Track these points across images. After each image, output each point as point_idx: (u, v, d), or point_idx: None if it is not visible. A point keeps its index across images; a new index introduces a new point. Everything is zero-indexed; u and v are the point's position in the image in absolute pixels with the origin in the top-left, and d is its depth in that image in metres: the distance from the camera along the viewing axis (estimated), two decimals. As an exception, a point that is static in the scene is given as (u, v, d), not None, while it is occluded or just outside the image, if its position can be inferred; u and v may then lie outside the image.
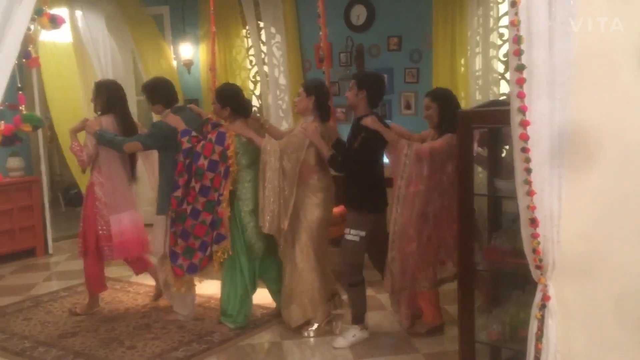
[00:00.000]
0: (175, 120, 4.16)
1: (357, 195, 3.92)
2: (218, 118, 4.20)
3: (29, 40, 3.52)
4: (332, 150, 3.92)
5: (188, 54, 7.50)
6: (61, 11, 6.69)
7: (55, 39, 6.92)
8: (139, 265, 4.83)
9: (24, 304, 4.91)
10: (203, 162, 4.01)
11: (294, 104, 4.25)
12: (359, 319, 3.99)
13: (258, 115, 5.30)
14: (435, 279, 3.88)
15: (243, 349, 3.96)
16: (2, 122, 3.39)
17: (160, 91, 4.36)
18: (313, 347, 3.93)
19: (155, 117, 5.40)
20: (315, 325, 4.10)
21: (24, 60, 3.61)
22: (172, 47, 7.75)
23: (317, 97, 4.03)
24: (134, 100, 7.63)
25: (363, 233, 3.85)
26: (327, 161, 3.95)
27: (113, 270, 5.80)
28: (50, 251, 6.44)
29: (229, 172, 4.04)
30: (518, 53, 2.00)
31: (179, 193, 4.06)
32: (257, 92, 7.36)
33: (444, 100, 3.90)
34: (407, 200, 3.71)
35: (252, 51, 7.23)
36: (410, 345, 3.90)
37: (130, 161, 4.58)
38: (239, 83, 7.26)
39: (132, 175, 4.61)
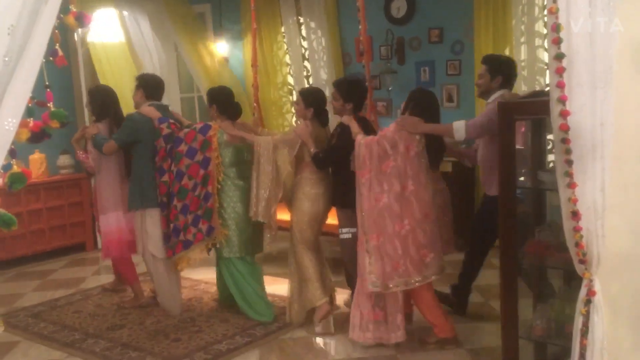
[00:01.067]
0: (149, 111, 4.31)
1: (342, 192, 4.00)
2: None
3: (55, 38, 3.60)
4: (316, 149, 4.02)
5: (224, 52, 7.58)
6: (108, 11, 6.88)
7: (106, 40, 7.09)
8: (123, 270, 4.85)
9: (74, 297, 5.08)
10: (183, 148, 4.15)
11: (295, 108, 4.45)
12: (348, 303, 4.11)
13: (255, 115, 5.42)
14: (420, 274, 3.63)
15: (285, 343, 3.99)
16: (31, 119, 3.49)
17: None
18: (354, 341, 3.93)
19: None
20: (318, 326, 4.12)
21: (50, 58, 3.70)
22: (214, 45, 7.85)
23: (315, 108, 4.15)
24: (177, 98, 7.79)
25: (354, 229, 3.84)
26: (311, 158, 4.04)
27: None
28: (99, 246, 6.62)
29: (208, 163, 4.13)
30: (557, 41, 1.94)
31: (166, 177, 4.23)
32: (298, 87, 7.39)
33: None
34: (362, 192, 3.62)
35: (292, 47, 7.25)
36: (454, 340, 3.85)
37: (125, 159, 4.63)
38: (279, 79, 7.32)
39: (127, 173, 4.63)
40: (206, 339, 4.05)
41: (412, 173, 3.57)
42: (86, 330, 4.32)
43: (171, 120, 4.32)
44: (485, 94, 3.91)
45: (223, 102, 4.29)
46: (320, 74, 6.95)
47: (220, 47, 7.58)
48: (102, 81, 6.76)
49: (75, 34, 6.67)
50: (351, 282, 4.13)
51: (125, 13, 6.99)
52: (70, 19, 3.50)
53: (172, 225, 4.25)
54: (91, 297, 5.03)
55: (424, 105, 3.77)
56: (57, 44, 3.66)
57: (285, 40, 7.35)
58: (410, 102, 3.78)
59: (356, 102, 4.08)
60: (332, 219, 4.33)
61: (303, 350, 3.86)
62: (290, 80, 7.44)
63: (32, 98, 3.55)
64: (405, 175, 3.56)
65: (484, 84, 3.83)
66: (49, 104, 3.94)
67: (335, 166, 4.11)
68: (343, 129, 3.98)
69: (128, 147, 4.44)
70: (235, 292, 4.34)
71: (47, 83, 3.88)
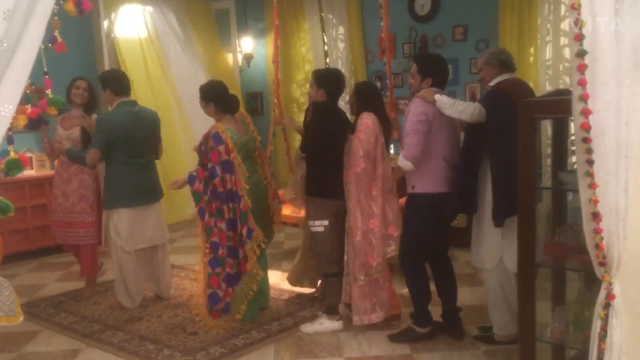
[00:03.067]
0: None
1: (314, 181, 4.04)
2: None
3: (54, 25, 3.59)
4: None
5: (248, 48, 7.60)
6: (133, 8, 6.95)
7: (135, 36, 7.16)
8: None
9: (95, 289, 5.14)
10: (219, 169, 3.94)
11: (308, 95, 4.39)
12: (331, 310, 4.10)
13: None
14: (384, 262, 3.95)
15: (301, 339, 3.99)
16: (29, 105, 3.50)
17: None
18: (370, 338, 3.91)
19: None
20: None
21: (49, 45, 3.69)
22: (237, 41, 7.89)
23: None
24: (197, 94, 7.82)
25: (326, 222, 3.97)
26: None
27: (181, 259, 6.00)
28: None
29: (233, 166, 3.94)
30: (579, 38, 1.90)
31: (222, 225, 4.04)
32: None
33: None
34: (348, 191, 3.87)
35: (317, 43, 7.24)
36: (470, 341, 3.82)
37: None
38: (301, 76, 7.32)
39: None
40: (222, 333, 4.07)
41: (381, 156, 3.87)
42: (105, 321, 4.37)
43: (196, 168, 4.06)
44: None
45: (220, 97, 4.14)
46: (343, 72, 6.92)
47: (245, 44, 7.60)
48: (130, 76, 6.83)
49: (101, 29, 6.76)
50: (320, 274, 4.40)
51: (150, 9, 7.05)
52: (70, 5, 3.47)
53: (225, 249, 4.07)
54: (111, 290, 5.06)
55: (368, 96, 4.02)
56: (56, 31, 3.64)
57: (308, 37, 7.35)
58: (355, 95, 4.04)
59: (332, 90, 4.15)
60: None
61: (318, 347, 3.85)
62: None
63: (30, 85, 3.57)
64: (377, 159, 3.87)
65: (414, 84, 3.83)
66: (47, 91, 3.95)
67: (311, 151, 4.05)
68: (316, 108, 4.08)
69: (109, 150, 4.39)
70: None
71: (45, 70, 3.88)
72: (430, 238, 3.78)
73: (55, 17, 3.45)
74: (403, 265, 3.89)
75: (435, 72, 3.75)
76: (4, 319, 2.79)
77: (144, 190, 4.57)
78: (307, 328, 4.08)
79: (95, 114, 4.81)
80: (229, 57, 8.06)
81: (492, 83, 3.62)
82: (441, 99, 3.59)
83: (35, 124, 3.62)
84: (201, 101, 4.18)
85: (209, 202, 3.98)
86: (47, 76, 3.86)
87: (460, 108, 3.50)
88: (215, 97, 4.13)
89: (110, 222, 4.49)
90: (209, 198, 3.97)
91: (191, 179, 4.00)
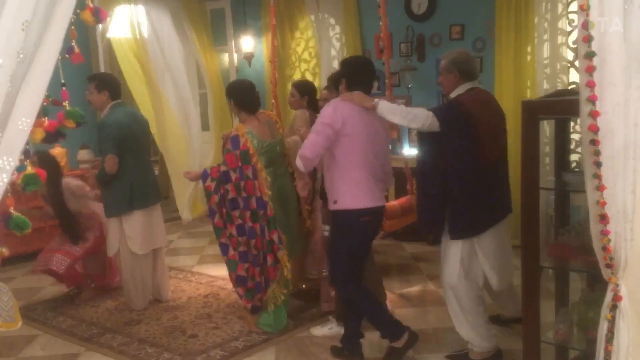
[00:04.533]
0: (194, 176, 4.13)
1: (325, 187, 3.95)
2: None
3: (71, 35, 3.53)
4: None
5: (249, 47, 7.57)
6: (128, 8, 6.90)
7: (129, 35, 7.11)
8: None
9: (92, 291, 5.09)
10: (236, 175, 3.86)
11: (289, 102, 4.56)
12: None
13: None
14: None
15: (302, 341, 3.97)
16: (46, 118, 3.45)
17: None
18: (371, 342, 3.88)
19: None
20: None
21: (67, 55, 3.64)
22: (233, 41, 7.85)
23: (309, 96, 4.45)
24: (196, 94, 7.80)
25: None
26: None
27: (179, 261, 5.97)
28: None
29: (256, 171, 3.86)
30: (588, 39, 1.88)
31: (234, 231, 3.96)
32: (317, 84, 7.35)
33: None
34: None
35: (311, 43, 7.22)
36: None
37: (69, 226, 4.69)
38: (298, 75, 7.29)
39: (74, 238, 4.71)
40: (222, 335, 4.05)
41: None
42: (104, 325, 4.34)
43: (210, 168, 4.01)
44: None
45: (238, 95, 4.04)
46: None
47: (245, 43, 7.57)
48: (125, 76, 6.79)
49: (96, 30, 6.71)
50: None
51: (145, 9, 7.00)
52: (87, 15, 3.43)
53: (261, 254, 3.97)
54: (109, 292, 5.05)
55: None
56: (74, 41, 3.59)
57: (304, 36, 7.33)
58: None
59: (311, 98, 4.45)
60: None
61: (319, 349, 3.83)
62: (309, 76, 7.40)
63: (47, 97, 3.50)
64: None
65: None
66: (64, 103, 3.90)
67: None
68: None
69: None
70: None
71: (62, 81, 3.83)
72: (359, 258, 3.55)
73: (72, 27, 3.41)
74: (336, 289, 3.72)
75: (350, 74, 3.48)
76: (3, 324, 2.74)
77: (150, 190, 4.55)
78: (317, 331, 4.05)
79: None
80: (225, 57, 8.02)
81: (453, 94, 3.40)
82: (383, 105, 3.27)
83: (53, 137, 3.58)
84: (226, 98, 4.16)
85: (219, 204, 3.92)
86: (64, 87, 3.84)
87: (410, 116, 3.21)
88: (234, 94, 4.05)
89: (119, 228, 4.42)
90: (219, 199, 3.90)
91: (204, 175, 3.94)
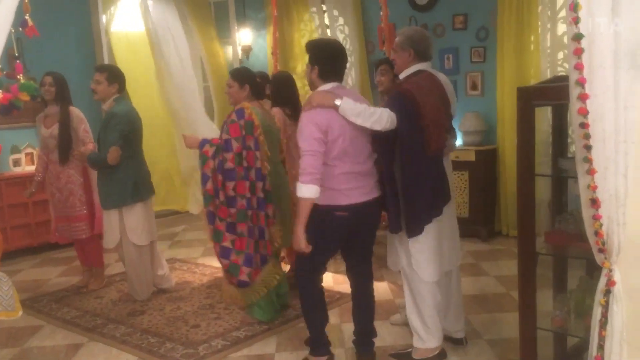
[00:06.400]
0: (191, 142, 4.05)
1: None
2: (236, 100, 4.05)
3: (25, 8, 3.49)
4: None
5: (248, 40, 7.57)
6: (131, 1, 6.92)
7: (128, 29, 7.14)
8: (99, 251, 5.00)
9: (97, 283, 5.14)
10: (237, 145, 3.82)
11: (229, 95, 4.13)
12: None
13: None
14: None
15: (302, 330, 3.96)
16: (0, 91, 3.41)
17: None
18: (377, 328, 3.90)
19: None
20: None
21: (20, 28, 3.59)
22: (237, 34, 7.85)
23: (251, 85, 4.07)
24: (201, 87, 7.81)
25: None
26: None
27: (183, 252, 6.01)
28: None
29: (258, 143, 3.86)
30: (575, 21, 1.87)
31: (222, 197, 3.86)
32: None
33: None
34: None
35: (315, 35, 7.21)
36: (473, 331, 3.80)
37: (64, 147, 4.66)
38: (301, 67, 7.29)
39: (63, 158, 4.69)
40: (225, 325, 4.07)
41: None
42: (107, 315, 4.38)
43: (210, 138, 4.02)
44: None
45: (254, 81, 4.09)
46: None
47: (244, 36, 7.57)
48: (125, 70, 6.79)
49: (100, 23, 6.74)
50: None
51: (150, 2, 7.02)
52: None
53: (257, 229, 3.92)
54: (113, 284, 5.09)
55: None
56: (27, 15, 3.54)
57: (307, 28, 7.32)
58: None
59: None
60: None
61: (320, 339, 3.84)
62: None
63: (1, 70, 3.46)
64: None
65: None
66: (18, 76, 3.86)
67: None
68: None
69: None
70: None
71: (16, 54, 3.78)
72: (325, 254, 3.34)
73: (26, 1, 3.33)
74: (297, 278, 3.45)
75: (325, 61, 3.15)
76: (3, 313, 2.79)
77: (148, 183, 4.61)
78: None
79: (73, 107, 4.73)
80: (229, 50, 8.03)
81: (403, 75, 3.28)
82: (345, 106, 3.02)
83: (7, 109, 3.53)
84: (234, 83, 4.04)
85: (214, 171, 3.87)
86: (18, 61, 3.78)
87: (374, 117, 3.02)
88: (250, 80, 4.07)
89: (120, 219, 4.44)
90: (214, 166, 3.86)
91: (203, 142, 3.94)
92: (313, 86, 3.21)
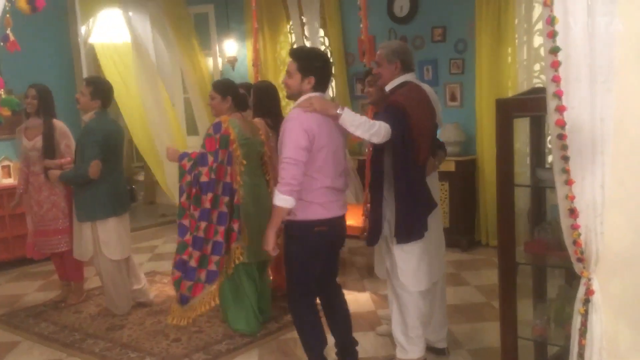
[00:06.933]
0: (172, 154, 4.06)
1: None
2: (218, 112, 4.06)
3: (6, 23, 3.43)
4: None
5: (232, 51, 7.58)
6: (114, 12, 6.89)
7: (112, 40, 7.10)
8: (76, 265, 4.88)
9: (76, 297, 5.06)
10: (212, 159, 3.83)
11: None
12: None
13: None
14: None
15: (285, 343, 3.97)
16: None
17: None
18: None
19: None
20: None
21: (1, 43, 3.54)
22: (218, 45, 7.85)
23: (233, 96, 4.09)
24: (181, 98, 7.79)
25: None
26: None
27: (163, 265, 5.95)
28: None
29: (232, 158, 3.86)
30: (552, 35, 1.90)
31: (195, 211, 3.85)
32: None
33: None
34: None
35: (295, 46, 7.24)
36: (454, 341, 3.82)
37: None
38: (282, 79, 7.30)
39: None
40: (206, 339, 4.04)
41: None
42: (86, 330, 4.32)
43: (189, 151, 4.03)
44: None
45: (235, 93, 4.12)
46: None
47: (229, 47, 7.57)
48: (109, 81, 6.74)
49: (79, 35, 6.70)
50: None
51: (130, 13, 7.00)
52: (22, 3, 3.30)
53: (210, 244, 3.84)
54: (92, 298, 5.02)
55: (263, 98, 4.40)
56: (9, 29, 3.49)
57: (288, 40, 7.35)
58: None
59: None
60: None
61: (303, 351, 3.82)
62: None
63: None
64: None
65: (292, 85, 3.14)
66: (0, 91, 3.81)
67: None
68: None
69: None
70: (226, 299, 4.09)
71: None
72: (316, 270, 3.25)
73: (8, 15, 3.27)
74: (289, 307, 3.39)
75: (319, 69, 3.09)
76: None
77: (124, 198, 4.59)
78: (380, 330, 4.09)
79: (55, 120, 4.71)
80: (209, 61, 8.02)
81: (389, 87, 3.32)
82: (346, 117, 3.00)
83: None
84: (216, 95, 4.04)
85: (190, 184, 3.87)
86: None
87: (373, 130, 3.01)
88: (233, 92, 4.09)
89: (93, 233, 4.39)
90: (190, 180, 3.87)
91: (182, 155, 3.97)
92: (298, 96, 3.11)
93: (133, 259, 4.78)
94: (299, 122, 2.99)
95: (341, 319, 3.45)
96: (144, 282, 4.82)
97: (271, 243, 3.06)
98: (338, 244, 3.35)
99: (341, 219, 3.23)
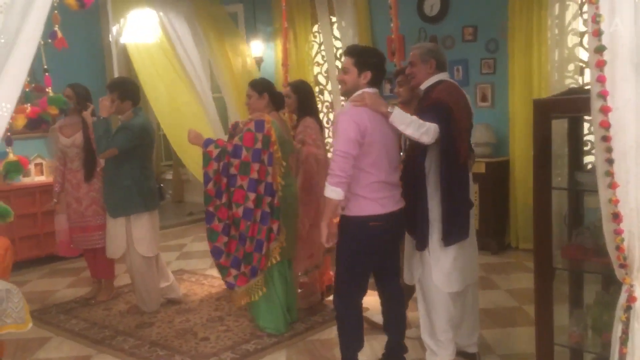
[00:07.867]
0: (196, 137, 3.98)
1: None
2: (255, 110, 4.06)
3: (54, 20, 3.42)
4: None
5: (259, 52, 7.58)
6: (145, 12, 6.94)
7: (144, 41, 7.14)
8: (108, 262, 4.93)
9: (105, 294, 5.11)
10: (246, 154, 3.79)
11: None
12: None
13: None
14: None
15: (312, 344, 3.94)
16: (28, 105, 3.36)
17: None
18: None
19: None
20: None
21: (49, 40, 3.54)
22: (247, 45, 7.86)
23: (269, 93, 4.14)
24: (210, 99, 7.80)
25: None
26: None
27: (191, 264, 5.98)
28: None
29: (272, 159, 3.85)
30: (597, 33, 1.84)
31: (225, 199, 3.85)
32: (330, 87, 7.34)
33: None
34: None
35: (324, 46, 7.22)
36: (485, 345, 3.75)
37: (90, 161, 4.71)
38: (310, 79, 7.29)
39: (88, 175, 4.73)
40: (234, 338, 4.04)
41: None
42: (116, 327, 4.35)
43: (216, 139, 3.99)
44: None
45: (273, 91, 4.17)
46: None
47: (255, 47, 7.58)
48: (141, 81, 6.78)
49: (110, 35, 6.76)
50: None
51: (160, 13, 7.04)
52: (71, 0, 3.30)
53: (254, 243, 3.87)
54: (122, 295, 5.07)
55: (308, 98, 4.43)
56: (57, 26, 3.49)
57: (316, 40, 7.33)
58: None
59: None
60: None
61: (330, 352, 3.80)
62: (322, 79, 7.39)
63: (29, 82, 3.42)
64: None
65: (348, 80, 3.16)
66: (47, 89, 3.83)
67: None
68: None
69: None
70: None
71: (45, 67, 3.73)
72: (368, 268, 3.24)
73: (55, 12, 3.26)
74: (334, 301, 3.33)
75: (378, 67, 3.12)
76: (13, 326, 2.76)
77: (155, 194, 4.62)
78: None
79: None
80: (238, 61, 8.03)
81: (425, 85, 3.30)
82: (397, 114, 3.02)
83: (36, 123, 3.50)
84: (253, 92, 4.09)
85: (217, 172, 3.83)
86: (47, 74, 3.72)
87: (423, 129, 3.01)
88: (269, 90, 4.13)
89: (127, 229, 4.43)
90: (218, 168, 3.82)
91: (207, 141, 3.88)
92: (353, 91, 3.12)
93: (162, 257, 4.80)
94: (349, 115, 3.02)
95: (396, 322, 3.44)
96: (172, 278, 4.84)
97: (325, 234, 3.07)
98: (395, 240, 3.33)
99: (397, 214, 3.20)
